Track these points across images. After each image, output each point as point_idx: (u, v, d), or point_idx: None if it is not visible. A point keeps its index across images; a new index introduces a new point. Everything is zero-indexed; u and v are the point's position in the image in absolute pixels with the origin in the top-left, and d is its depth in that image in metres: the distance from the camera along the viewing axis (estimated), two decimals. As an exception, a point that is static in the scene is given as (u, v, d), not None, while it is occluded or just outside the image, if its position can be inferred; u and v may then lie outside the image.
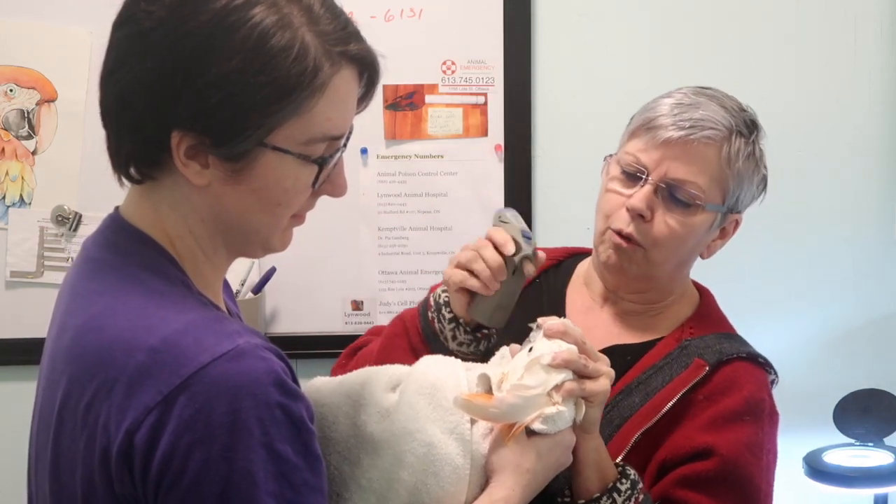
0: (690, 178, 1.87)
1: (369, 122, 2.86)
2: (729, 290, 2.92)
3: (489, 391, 1.66)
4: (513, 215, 1.88)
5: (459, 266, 1.83)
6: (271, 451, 1.30)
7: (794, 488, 2.90)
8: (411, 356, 1.84)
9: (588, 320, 1.97)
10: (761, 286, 2.94)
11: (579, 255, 2.12)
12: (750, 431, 1.87)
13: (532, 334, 1.72)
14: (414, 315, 1.92)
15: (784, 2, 2.89)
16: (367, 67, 1.44)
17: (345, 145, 1.46)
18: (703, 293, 2.07)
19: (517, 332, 1.78)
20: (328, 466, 1.66)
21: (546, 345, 1.68)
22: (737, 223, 1.99)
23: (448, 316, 1.87)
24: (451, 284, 1.84)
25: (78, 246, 2.84)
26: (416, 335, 1.89)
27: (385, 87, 2.86)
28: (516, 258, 1.82)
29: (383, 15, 2.89)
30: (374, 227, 2.94)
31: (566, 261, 2.11)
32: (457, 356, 1.82)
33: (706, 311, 2.02)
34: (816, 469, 2.75)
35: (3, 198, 2.92)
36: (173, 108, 1.34)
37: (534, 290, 2.02)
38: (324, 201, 1.52)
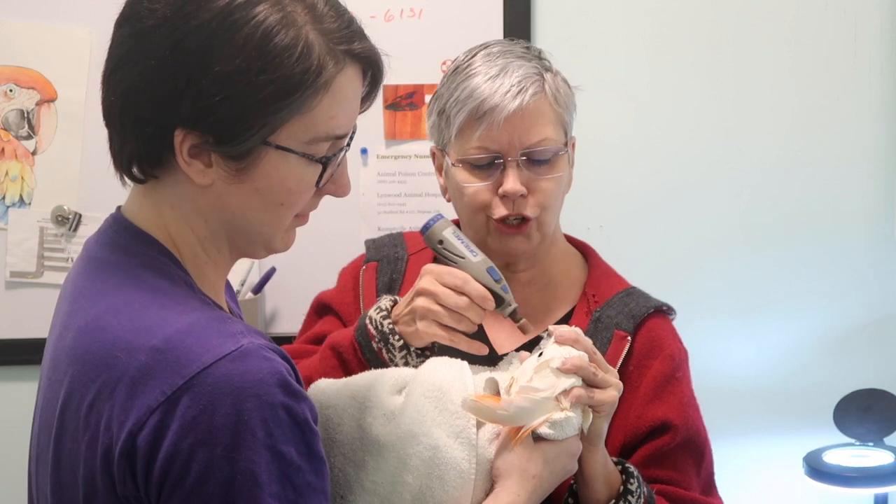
0: (542, 137, 1.90)
1: (369, 122, 2.85)
2: (729, 290, 2.94)
3: (496, 395, 1.66)
4: (454, 235, 1.84)
5: (441, 326, 1.77)
6: (275, 453, 1.29)
7: (794, 488, 2.90)
8: None
9: (494, 314, 1.91)
10: (761, 286, 2.94)
11: None
12: (684, 387, 1.94)
13: (542, 342, 1.72)
14: (350, 345, 1.85)
15: (784, 2, 2.89)
16: (370, 66, 1.44)
17: (348, 144, 1.45)
18: (587, 251, 2.09)
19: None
20: (333, 468, 1.66)
21: (557, 350, 1.68)
22: (573, 146, 2.02)
23: (398, 344, 1.82)
24: (429, 339, 1.79)
25: (78, 246, 2.87)
26: (359, 366, 1.83)
27: (385, 87, 2.84)
28: (503, 313, 1.80)
29: (383, 15, 2.88)
30: (374, 227, 2.93)
31: None
32: None
33: (599, 272, 2.04)
34: (816, 469, 2.74)
35: (3, 198, 2.91)
36: (176, 106, 1.34)
37: None
38: (324, 201, 1.51)
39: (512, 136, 1.88)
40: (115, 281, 1.40)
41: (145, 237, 1.43)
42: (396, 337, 1.81)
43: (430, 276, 1.79)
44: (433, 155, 2.02)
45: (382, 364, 1.82)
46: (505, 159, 1.89)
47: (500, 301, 1.79)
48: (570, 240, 2.09)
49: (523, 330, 1.81)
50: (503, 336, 1.95)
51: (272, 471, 1.29)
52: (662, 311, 1.99)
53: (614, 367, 1.86)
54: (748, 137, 2.92)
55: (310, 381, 1.81)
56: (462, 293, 1.77)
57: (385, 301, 1.87)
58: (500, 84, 1.87)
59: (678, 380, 1.93)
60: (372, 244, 2.11)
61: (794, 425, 2.95)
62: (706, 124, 2.92)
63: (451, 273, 1.79)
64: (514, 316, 1.80)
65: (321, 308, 2.08)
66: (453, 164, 1.93)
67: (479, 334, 1.92)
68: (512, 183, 1.88)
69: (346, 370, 1.84)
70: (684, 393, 1.93)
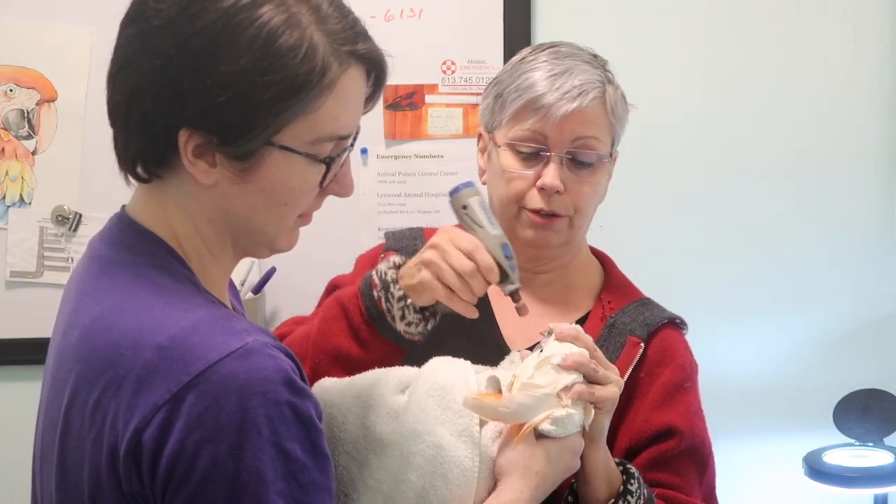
0: (592, 141, 1.93)
1: (369, 122, 2.85)
2: (730, 290, 2.94)
3: (498, 393, 1.66)
4: (479, 205, 1.82)
5: (442, 282, 1.77)
6: (280, 450, 1.30)
7: (794, 488, 2.91)
8: (352, 339, 1.83)
9: (509, 305, 1.90)
10: (762, 286, 2.94)
11: None
12: (692, 397, 1.96)
13: (543, 340, 1.73)
14: (353, 295, 1.86)
15: (784, 2, 2.89)
16: (374, 67, 1.44)
17: (352, 145, 1.46)
18: (604, 260, 2.12)
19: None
20: (337, 466, 1.66)
21: (557, 346, 1.68)
22: (615, 159, 2.04)
23: (398, 294, 1.81)
24: (429, 293, 1.79)
25: (78, 246, 2.87)
26: (358, 315, 1.84)
27: (385, 86, 2.86)
28: (504, 290, 1.79)
29: (383, 15, 2.89)
30: (374, 227, 2.93)
31: None
32: (403, 336, 1.81)
33: (615, 280, 2.07)
34: (816, 469, 2.75)
35: (3, 198, 2.91)
36: (181, 106, 1.34)
37: None
38: (324, 201, 1.51)
39: (562, 133, 1.91)
40: (121, 279, 1.40)
41: (150, 236, 1.43)
42: (397, 286, 1.81)
43: (445, 235, 1.80)
44: (479, 136, 2.05)
45: (380, 313, 1.81)
46: (550, 153, 1.92)
47: (504, 277, 1.79)
48: (591, 249, 2.12)
49: (520, 311, 1.81)
50: (518, 333, 1.97)
51: (277, 468, 1.29)
52: (676, 324, 2.01)
53: (625, 372, 1.88)
54: (748, 137, 2.93)
55: (310, 335, 1.85)
56: (471, 259, 1.77)
57: (395, 256, 1.87)
58: (562, 83, 1.91)
59: (687, 389, 1.94)
60: (392, 235, 2.13)
61: (794, 425, 2.95)
62: (706, 124, 2.92)
63: (465, 237, 1.79)
64: (514, 296, 1.80)
65: (335, 290, 2.08)
66: (499, 146, 1.95)
67: (492, 327, 1.94)
68: (551, 177, 1.91)
69: (347, 318, 1.85)
70: (692, 402, 1.95)
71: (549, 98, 1.90)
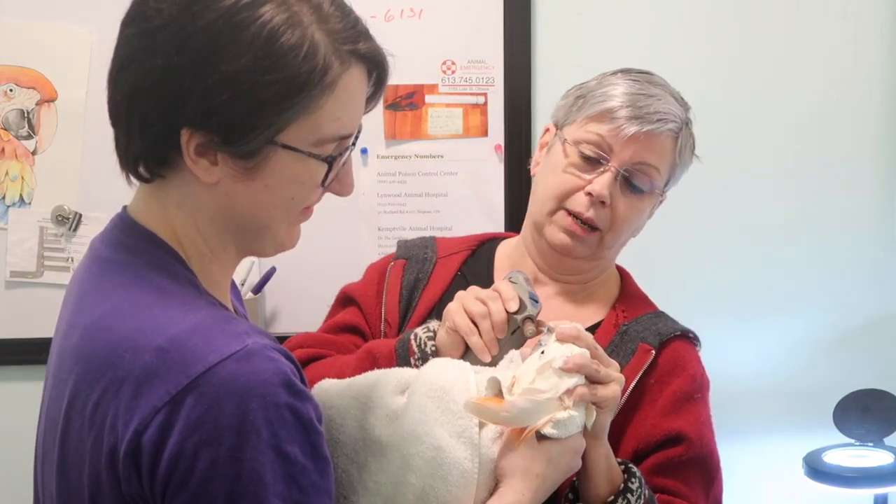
0: (651, 170, 1.96)
1: (369, 122, 2.83)
2: (730, 290, 2.94)
3: (499, 394, 1.66)
4: (524, 278, 1.87)
5: (467, 314, 1.80)
6: (279, 453, 1.29)
7: (794, 488, 2.91)
8: None
9: None
10: (762, 286, 2.94)
11: (491, 240, 2.16)
12: (702, 408, 1.96)
13: (543, 338, 1.72)
14: (389, 355, 1.86)
15: (784, 2, 2.89)
16: (376, 66, 1.44)
17: (353, 144, 1.46)
18: (622, 272, 2.14)
19: None
20: (336, 469, 1.66)
21: (558, 349, 1.68)
22: (662, 201, 2.07)
23: None
24: (452, 327, 1.80)
25: (78, 246, 2.87)
26: None
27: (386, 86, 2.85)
28: (519, 317, 1.80)
29: (383, 15, 2.88)
30: (374, 227, 2.93)
31: (480, 248, 2.13)
32: None
33: (631, 291, 2.09)
34: (816, 469, 2.75)
35: (3, 198, 2.91)
36: (182, 105, 1.34)
37: (460, 283, 2.04)
38: (324, 201, 1.51)
39: (627, 150, 1.94)
40: (121, 280, 1.40)
41: (151, 237, 1.43)
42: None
43: (464, 291, 1.85)
44: (546, 130, 2.07)
45: None
46: (609, 164, 1.94)
47: (523, 307, 1.80)
48: None
49: (523, 328, 1.80)
50: None
51: (277, 470, 1.29)
52: (689, 338, 2.02)
53: (634, 377, 1.89)
54: (748, 138, 2.93)
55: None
56: (483, 303, 1.79)
57: (434, 323, 1.88)
58: (645, 104, 1.94)
59: (696, 401, 1.94)
60: (403, 244, 2.15)
61: (794, 425, 2.95)
62: (706, 125, 2.91)
63: (484, 290, 1.83)
64: (524, 321, 1.80)
65: (345, 299, 2.12)
66: (565, 140, 1.98)
67: None
68: (601, 186, 1.93)
69: None
70: (702, 413, 1.95)
71: (627, 112, 1.93)
